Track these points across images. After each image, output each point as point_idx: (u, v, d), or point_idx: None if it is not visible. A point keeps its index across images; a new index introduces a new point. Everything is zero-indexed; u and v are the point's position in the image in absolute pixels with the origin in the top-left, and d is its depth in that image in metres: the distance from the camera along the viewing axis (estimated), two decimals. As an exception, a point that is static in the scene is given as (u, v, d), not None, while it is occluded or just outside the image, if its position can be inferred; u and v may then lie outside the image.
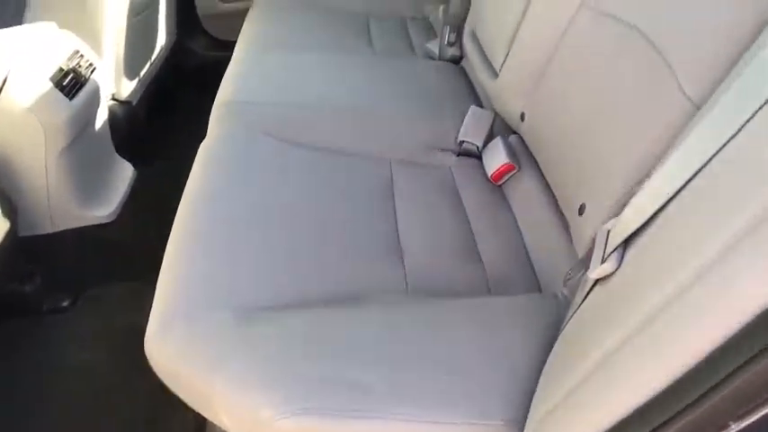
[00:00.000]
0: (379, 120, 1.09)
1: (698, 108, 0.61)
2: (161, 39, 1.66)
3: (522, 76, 1.00)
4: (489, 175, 1.00)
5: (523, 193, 0.95)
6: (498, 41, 1.09)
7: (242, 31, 1.54)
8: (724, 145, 0.48)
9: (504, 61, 1.04)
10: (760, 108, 0.45)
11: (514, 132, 1.06)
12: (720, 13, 0.63)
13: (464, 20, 1.35)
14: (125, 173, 1.38)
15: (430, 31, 1.59)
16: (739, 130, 0.46)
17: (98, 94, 1.25)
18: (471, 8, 1.31)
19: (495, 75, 1.09)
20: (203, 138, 1.04)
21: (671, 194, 0.52)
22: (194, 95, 1.51)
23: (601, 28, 0.83)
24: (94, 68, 1.25)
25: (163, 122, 1.71)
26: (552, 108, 0.90)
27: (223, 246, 0.77)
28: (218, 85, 1.33)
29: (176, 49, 1.85)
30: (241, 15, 1.71)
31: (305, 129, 1.03)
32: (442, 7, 1.44)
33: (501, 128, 1.08)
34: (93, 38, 1.28)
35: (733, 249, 0.42)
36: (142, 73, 1.52)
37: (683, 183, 0.51)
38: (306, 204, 0.86)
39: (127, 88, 1.44)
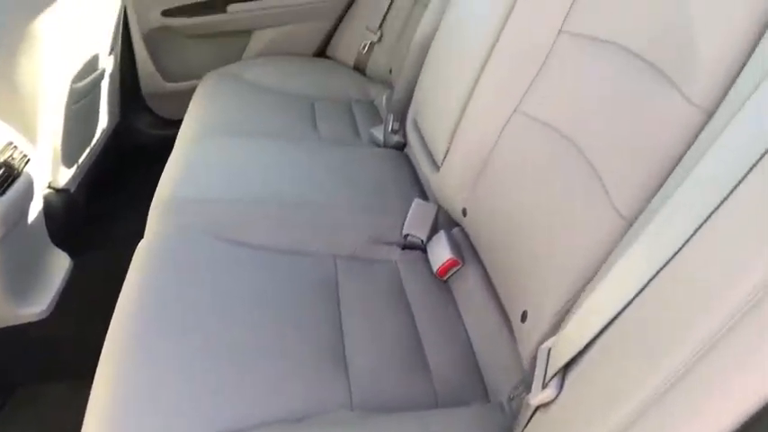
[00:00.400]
0: (322, 213, 1.08)
1: (630, 224, 0.63)
2: (103, 122, 1.63)
3: (462, 171, 1.01)
4: (434, 270, 1.00)
5: (468, 291, 0.95)
6: (439, 134, 1.11)
7: (187, 112, 1.53)
8: (662, 267, 0.49)
9: (446, 155, 1.06)
10: (699, 227, 0.46)
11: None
12: (650, 132, 0.66)
13: (407, 107, 1.38)
14: (61, 264, 1.33)
15: (375, 115, 1.62)
16: (680, 249, 0.47)
17: (32, 188, 1.21)
18: (414, 96, 1.34)
19: (437, 167, 1.10)
20: (144, 224, 1.02)
21: (610, 318, 0.52)
22: (139, 175, 1.51)
23: (535, 134, 0.86)
24: (28, 160, 1.21)
25: (104, 208, 1.67)
26: (492, 208, 0.91)
27: (156, 359, 0.74)
28: (164, 164, 1.32)
29: (120, 130, 1.83)
30: (187, 95, 1.70)
31: (246, 226, 1.01)
32: (386, 94, 1.47)
33: (445, 220, 1.09)
34: (28, 127, 1.25)
35: (674, 387, 0.42)
36: (81, 159, 1.48)
37: (622, 305, 0.52)
38: (245, 312, 0.83)
39: (65, 176, 1.40)
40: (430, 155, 1.16)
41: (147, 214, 1.06)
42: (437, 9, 1.32)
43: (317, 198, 1.11)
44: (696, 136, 0.59)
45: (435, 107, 1.16)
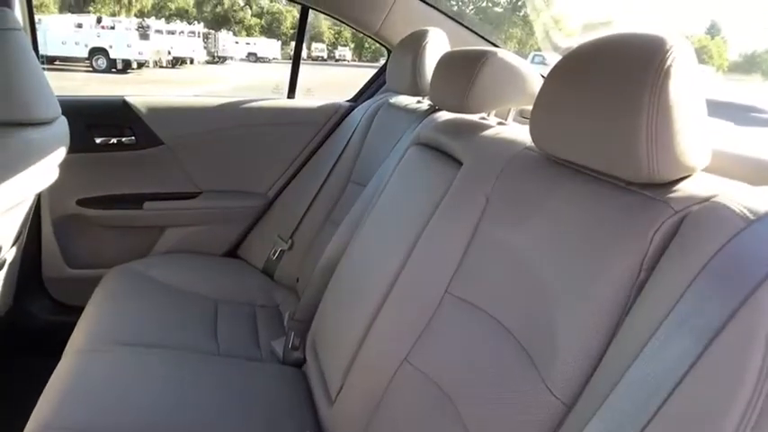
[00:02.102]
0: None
1: (569, 408, 0.67)
2: None
3: (355, 411, 1.04)
4: None
5: None
6: (334, 368, 1.15)
7: (85, 310, 1.49)
8: None
9: (339, 392, 1.09)
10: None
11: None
12: (518, 417, 0.72)
13: (308, 326, 1.42)
14: None
15: (278, 323, 1.64)
16: None
17: None
18: (315, 319, 1.39)
19: (331, 401, 1.12)
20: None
21: None
22: (29, 361, 1.44)
23: (419, 386, 0.91)
24: None
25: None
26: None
27: None
28: (60, 352, 1.25)
29: (11, 315, 1.75)
30: (89, 282, 1.68)
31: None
32: (288, 312, 1.51)
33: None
34: None
35: None
36: None
37: None
38: None
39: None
40: (324, 384, 1.18)
41: (25, 413, 1.01)
42: (343, 236, 1.42)
43: (206, 430, 1.08)
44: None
45: (332, 340, 1.21)
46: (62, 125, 1.53)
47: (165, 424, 1.06)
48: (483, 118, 1.24)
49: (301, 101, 2.04)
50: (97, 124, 1.87)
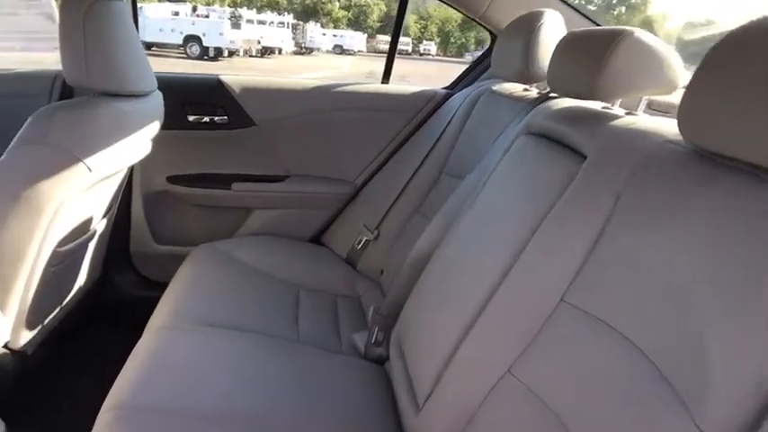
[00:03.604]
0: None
1: None
2: (81, 279, 1.58)
3: (446, 421, 0.94)
4: None
5: None
6: (423, 372, 1.06)
7: (169, 286, 1.48)
8: None
9: (427, 399, 1.00)
10: None
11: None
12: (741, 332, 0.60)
13: (394, 322, 1.34)
14: (-8, 431, 1.20)
15: (359, 315, 1.58)
16: None
17: (-19, 352, 1.13)
18: (401, 316, 1.31)
19: (417, 408, 1.03)
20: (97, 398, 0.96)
21: None
22: (108, 336, 1.44)
23: (522, 401, 0.81)
24: (-13, 322, 1.14)
25: (61, 369, 1.57)
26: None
27: None
28: (136, 328, 1.25)
29: (99, 286, 1.78)
30: (174, 259, 1.69)
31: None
32: (372, 306, 1.44)
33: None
34: (-1, 288, 1.19)
35: None
36: (47, 320, 1.41)
37: None
38: None
39: (24, 337, 1.31)
40: (411, 389, 1.10)
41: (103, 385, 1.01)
42: (437, 230, 1.33)
43: (282, 422, 1.02)
44: None
45: (422, 341, 1.12)
46: (157, 99, 1.52)
47: (242, 412, 1.01)
48: (606, 107, 1.10)
49: (396, 87, 1.96)
50: (191, 102, 1.87)
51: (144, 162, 1.57)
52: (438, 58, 29.83)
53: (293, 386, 1.13)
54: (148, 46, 15.51)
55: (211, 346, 1.19)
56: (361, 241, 1.82)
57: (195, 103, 1.87)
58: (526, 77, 1.41)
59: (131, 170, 1.82)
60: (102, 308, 1.86)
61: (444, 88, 1.99)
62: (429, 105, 1.91)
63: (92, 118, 1.21)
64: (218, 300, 1.42)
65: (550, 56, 1.14)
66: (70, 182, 1.15)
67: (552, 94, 1.37)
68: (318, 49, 24.34)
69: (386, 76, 1.99)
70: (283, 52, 20.64)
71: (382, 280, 1.70)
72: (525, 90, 1.55)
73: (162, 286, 1.48)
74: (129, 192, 1.86)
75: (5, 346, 1.28)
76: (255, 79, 1.91)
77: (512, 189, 1.12)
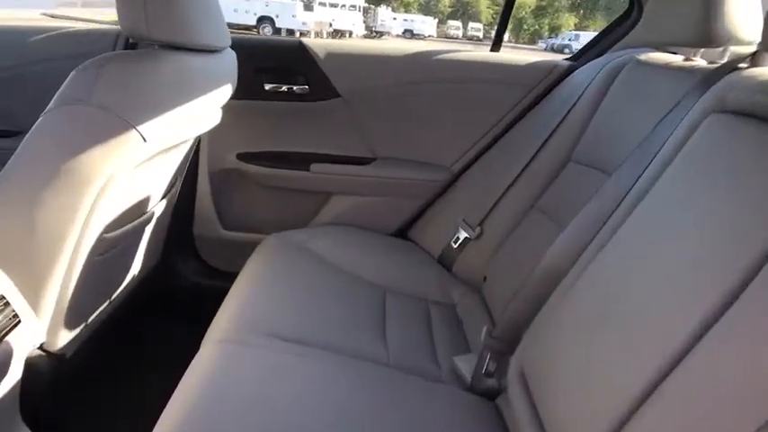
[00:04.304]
0: None
1: None
2: (135, 267, 1.36)
3: None
4: None
5: None
6: (574, 422, 0.77)
7: (235, 283, 1.25)
8: None
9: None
10: None
11: None
12: None
13: (513, 348, 1.05)
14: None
15: (457, 331, 1.30)
16: None
17: (9, 358, 0.91)
18: (526, 339, 1.02)
19: None
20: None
21: None
22: (167, 329, 1.33)
23: None
24: (18, 322, 0.92)
25: (110, 374, 1.37)
26: None
27: None
28: (206, 318, 1.11)
29: (157, 271, 1.58)
30: (242, 247, 1.48)
31: None
32: (485, 328, 1.14)
33: None
34: (34, 277, 0.97)
35: None
36: (91, 318, 1.19)
37: None
38: None
39: (63, 338, 1.10)
40: None
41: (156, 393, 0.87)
42: (577, 236, 1.02)
43: None
44: None
45: (566, 384, 0.82)
46: (230, 59, 1.27)
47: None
48: None
49: (508, 55, 1.65)
50: (268, 68, 1.62)
51: (212, 135, 1.35)
52: (511, 44, 29.11)
53: (387, 425, 0.88)
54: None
55: (284, 369, 0.95)
56: (458, 239, 1.52)
57: (272, 70, 1.62)
58: (707, 39, 1.07)
59: (198, 143, 1.60)
60: (160, 298, 1.66)
61: (567, 59, 1.66)
62: (548, 79, 1.59)
63: (149, 74, 0.96)
64: (291, 305, 1.18)
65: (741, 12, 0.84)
66: (120, 153, 0.92)
67: (741, 65, 1.03)
68: (389, 33, 24.16)
69: (496, 44, 1.68)
70: (354, 35, 20.58)
71: (485, 288, 1.41)
72: (686, 60, 1.21)
73: (229, 276, 1.28)
74: (195, 168, 1.65)
75: (41, 348, 1.07)
76: (344, 44, 1.65)
77: (709, 189, 0.79)
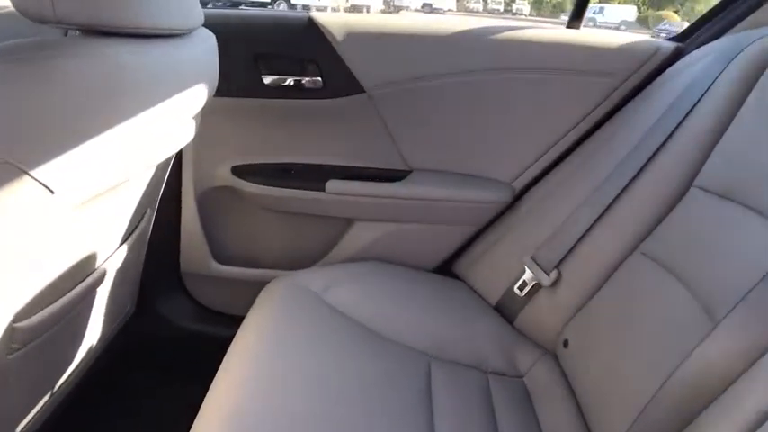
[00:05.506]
0: None
1: None
2: (89, 339, 1.01)
3: None
4: None
5: None
6: None
7: (229, 351, 0.91)
8: None
9: None
10: None
11: None
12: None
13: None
14: None
15: (527, 410, 0.94)
16: None
17: None
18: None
19: None
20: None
21: None
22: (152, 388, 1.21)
23: None
24: None
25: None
26: None
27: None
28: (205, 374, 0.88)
29: (139, 319, 1.26)
30: (242, 286, 1.25)
31: None
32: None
33: None
34: None
35: None
36: (30, 417, 0.84)
37: None
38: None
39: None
40: None
41: None
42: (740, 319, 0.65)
43: None
44: None
45: None
46: (203, 44, 0.89)
47: None
48: None
49: (593, 34, 1.23)
50: (269, 54, 1.23)
51: (198, 145, 1.00)
52: (532, 17, 28.56)
53: None
54: (236, 4, 15.51)
55: None
56: (525, 284, 1.14)
57: (274, 57, 1.23)
58: None
59: (179, 157, 1.23)
60: (146, 349, 1.35)
61: (671, 39, 1.24)
62: (648, 65, 1.18)
63: (57, 80, 0.58)
64: (306, 385, 0.85)
65: None
66: (12, 217, 0.54)
67: None
68: (407, 8, 23.72)
69: (576, 18, 1.26)
70: (371, 10, 20.24)
71: (566, 356, 1.03)
72: None
73: (227, 321, 1.18)
74: (178, 188, 1.29)
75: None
76: (367, 19, 1.25)
77: None
